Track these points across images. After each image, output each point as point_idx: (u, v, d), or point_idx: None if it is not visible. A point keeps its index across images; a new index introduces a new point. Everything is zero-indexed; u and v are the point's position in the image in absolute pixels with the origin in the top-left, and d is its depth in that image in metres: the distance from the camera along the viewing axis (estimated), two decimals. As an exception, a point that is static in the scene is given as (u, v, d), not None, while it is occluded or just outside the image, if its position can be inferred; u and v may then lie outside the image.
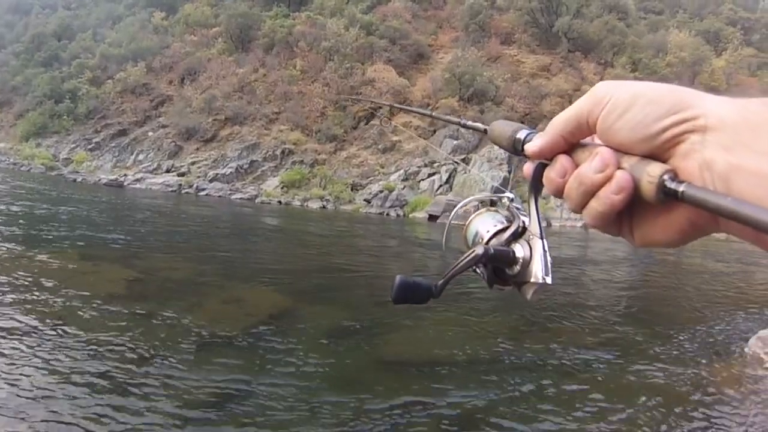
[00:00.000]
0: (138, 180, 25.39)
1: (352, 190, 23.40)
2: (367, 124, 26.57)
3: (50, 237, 8.94)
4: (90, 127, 32.02)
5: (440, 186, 23.47)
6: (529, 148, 0.48)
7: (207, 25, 35.40)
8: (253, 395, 3.58)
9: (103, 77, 34.97)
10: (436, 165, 24.24)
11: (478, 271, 0.57)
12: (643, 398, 3.99)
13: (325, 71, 28.17)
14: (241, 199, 22.98)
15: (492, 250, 0.53)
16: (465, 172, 24.07)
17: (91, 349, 4.06)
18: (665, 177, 0.37)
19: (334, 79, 27.52)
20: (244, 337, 4.71)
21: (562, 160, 0.45)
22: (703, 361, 4.98)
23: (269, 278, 7.44)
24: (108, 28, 42.23)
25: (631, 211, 0.43)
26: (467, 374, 4.37)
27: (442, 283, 0.57)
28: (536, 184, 0.50)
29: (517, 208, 0.57)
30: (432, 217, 20.75)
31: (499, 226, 0.58)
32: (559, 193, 0.46)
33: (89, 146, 30.51)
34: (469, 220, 0.63)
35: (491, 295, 7.51)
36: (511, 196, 0.59)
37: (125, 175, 26.11)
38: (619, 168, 0.41)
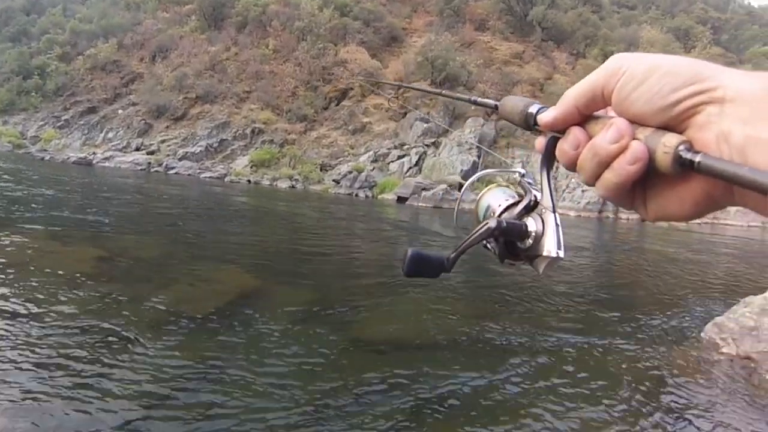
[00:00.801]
0: (107, 158, 24.96)
1: (321, 170, 23.40)
2: (337, 104, 26.58)
3: (16, 216, 8.53)
4: (59, 105, 31.33)
5: (409, 168, 23.62)
6: (543, 118, 0.47)
7: (180, 2, 34.81)
8: (222, 377, 3.49)
9: (73, 53, 34.21)
10: (405, 147, 24.38)
11: (489, 246, 0.57)
12: (601, 381, 4.04)
13: (297, 51, 28.04)
14: (210, 177, 22.81)
15: (505, 223, 0.53)
16: (434, 155, 24.28)
17: (56, 330, 3.92)
18: (681, 147, 0.37)
19: (306, 59, 27.42)
20: (213, 318, 4.55)
21: (576, 132, 0.45)
22: (661, 346, 5.05)
23: (239, 258, 7.29)
24: (78, 4, 41.31)
25: (645, 184, 0.43)
26: (441, 356, 4.31)
27: (454, 257, 0.57)
28: (549, 157, 0.49)
29: (529, 183, 0.57)
30: (401, 199, 20.83)
31: (511, 201, 0.58)
32: (572, 166, 0.45)
33: (58, 124, 29.87)
34: (480, 194, 0.63)
35: (466, 278, 7.56)
36: (523, 171, 0.59)
37: (94, 153, 25.66)
38: (634, 139, 0.40)
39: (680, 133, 0.39)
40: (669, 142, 0.38)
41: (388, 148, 24.28)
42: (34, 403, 2.92)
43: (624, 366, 4.44)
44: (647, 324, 5.76)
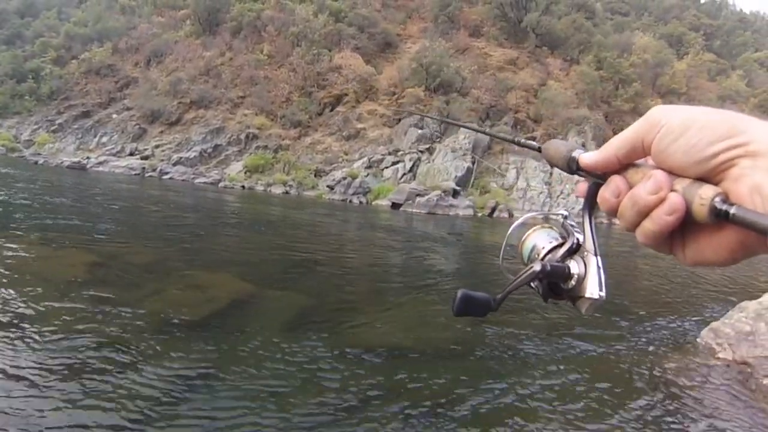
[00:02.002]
0: (101, 163, 24.93)
1: (315, 176, 23.38)
2: (332, 110, 26.63)
3: (8, 220, 8.54)
4: (53, 108, 31.23)
5: (404, 174, 23.62)
6: (584, 159, 0.50)
7: (175, 7, 34.91)
8: (213, 381, 3.53)
9: (68, 57, 34.15)
10: (400, 153, 24.42)
11: (533, 285, 0.59)
12: (598, 386, 4.08)
13: (292, 56, 28.06)
14: (204, 183, 22.76)
15: (549, 267, 0.55)
16: (428, 161, 24.33)
17: (49, 335, 3.93)
18: (716, 199, 0.39)
19: (301, 64, 27.43)
20: (206, 324, 4.61)
21: (617, 181, 0.47)
22: (658, 351, 5.10)
23: (232, 264, 7.33)
24: (74, 7, 41.20)
25: (683, 231, 0.44)
26: (438, 363, 4.37)
27: (501, 298, 0.60)
28: (590, 202, 0.52)
29: (572, 225, 0.58)
30: (395, 205, 20.77)
31: (555, 243, 0.60)
32: (612, 212, 0.47)
33: (52, 128, 29.74)
34: (526, 235, 0.64)
35: (452, 287, 7.50)
36: (566, 213, 0.61)
37: (88, 157, 25.58)
38: (672, 190, 0.42)
39: (716, 184, 0.40)
40: (705, 193, 0.39)
41: (383, 154, 24.31)
42: (24, 410, 2.90)
43: (620, 371, 4.47)
44: (643, 329, 5.79)
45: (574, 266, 0.54)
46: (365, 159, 24.02)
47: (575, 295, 0.54)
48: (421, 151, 24.61)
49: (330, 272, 7.73)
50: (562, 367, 4.42)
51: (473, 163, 24.75)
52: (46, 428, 2.79)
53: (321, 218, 15.70)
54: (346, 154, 24.59)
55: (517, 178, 25.18)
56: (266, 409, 3.23)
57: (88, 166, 24.33)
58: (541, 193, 24.68)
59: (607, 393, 3.96)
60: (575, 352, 4.83)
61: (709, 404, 3.95)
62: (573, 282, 0.53)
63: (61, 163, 24.16)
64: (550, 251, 0.59)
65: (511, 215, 22.74)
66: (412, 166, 23.92)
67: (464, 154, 24.76)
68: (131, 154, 26.43)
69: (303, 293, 6.08)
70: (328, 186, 22.58)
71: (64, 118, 30.07)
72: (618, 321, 5.99)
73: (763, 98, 36.40)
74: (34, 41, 36.94)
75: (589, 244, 0.53)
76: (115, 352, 3.77)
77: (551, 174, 25.77)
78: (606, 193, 0.48)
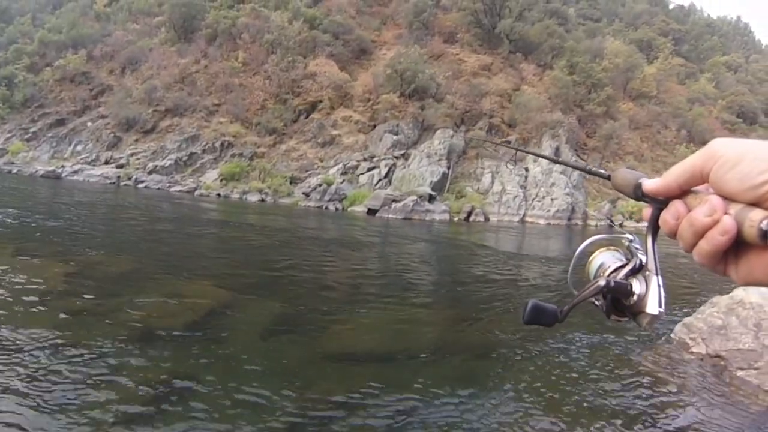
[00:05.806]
0: (76, 171, 24.77)
1: (290, 183, 23.46)
2: (307, 117, 26.79)
3: None
4: (27, 116, 30.78)
5: (379, 180, 23.82)
6: (648, 186, 0.54)
7: (150, 14, 34.69)
8: (193, 390, 3.54)
9: (42, 64, 33.63)
10: (375, 159, 24.64)
11: (597, 303, 0.63)
12: (574, 381, 4.23)
13: (267, 64, 28.15)
14: (180, 191, 22.70)
15: (613, 282, 0.59)
16: (404, 167, 24.57)
17: (26, 346, 3.92)
18: (764, 222, 0.43)
19: (276, 72, 27.54)
20: (184, 332, 4.63)
21: (677, 205, 0.51)
22: (633, 346, 5.24)
23: (209, 272, 7.38)
24: (48, 13, 40.65)
25: (736, 253, 0.48)
26: (407, 367, 4.42)
27: (567, 309, 0.65)
28: (654, 225, 0.55)
29: (636, 248, 0.62)
30: (371, 211, 20.92)
31: (619, 263, 0.64)
32: (672, 234, 0.52)
33: (26, 136, 29.32)
34: (593, 256, 0.69)
35: (431, 291, 7.76)
36: (631, 237, 0.65)
37: (63, 166, 25.37)
38: (725, 213, 0.46)
39: (767, 209, 0.44)
40: (755, 217, 0.44)
41: (358, 161, 24.50)
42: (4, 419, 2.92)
43: (596, 367, 4.60)
44: (617, 326, 5.84)
45: (636, 284, 0.58)
46: (340, 165, 24.17)
47: (636, 310, 0.58)
48: (397, 157, 24.86)
49: (307, 280, 7.79)
50: (535, 365, 4.57)
51: (448, 168, 25.05)
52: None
53: (297, 226, 15.75)
54: (322, 161, 24.75)
55: (493, 182, 25.50)
56: (244, 416, 3.30)
57: (62, 174, 24.17)
58: (516, 196, 25.02)
59: (583, 388, 4.10)
60: (551, 351, 4.97)
61: (684, 397, 4.08)
62: (634, 299, 0.58)
63: (36, 172, 23.98)
64: (614, 270, 0.64)
65: (487, 219, 23.09)
66: (388, 171, 24.13)
67: (439, 160, 25.06)
68: (106, 162, 26.27)
69: (280, 301, 6.16)
70: (303, 193, 22.68)
71: (38, 126, 29.70)
72: (592, 319, 6.12)
73: (731, 100, 37.51)
74: (7, 47, 36.30)
75: (651, 264, 0.58)
76: (93, 362, 3.80)
77: (526, 178, 26.19)
78: (667, 216, 0.52)
